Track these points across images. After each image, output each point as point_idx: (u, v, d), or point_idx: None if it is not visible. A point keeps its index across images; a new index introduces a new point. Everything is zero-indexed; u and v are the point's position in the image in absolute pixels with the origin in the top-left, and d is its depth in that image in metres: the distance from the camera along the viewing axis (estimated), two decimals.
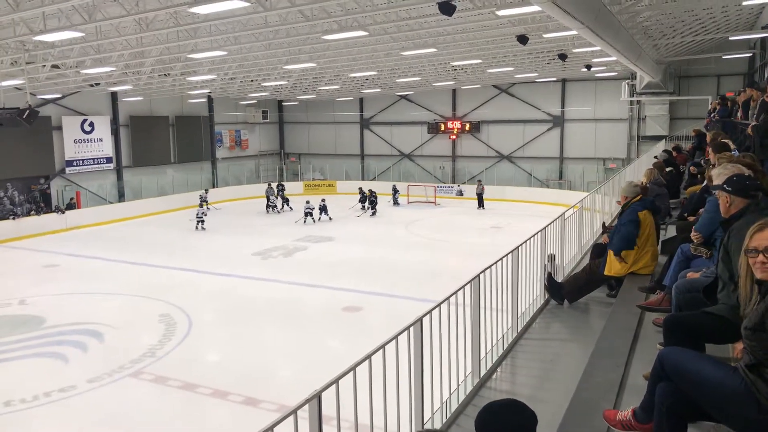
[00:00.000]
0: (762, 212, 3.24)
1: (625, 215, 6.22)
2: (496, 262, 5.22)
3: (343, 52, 18.99)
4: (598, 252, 6.95)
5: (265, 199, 31.50)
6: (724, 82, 28.80)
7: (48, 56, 17.37)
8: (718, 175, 4.02)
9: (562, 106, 33.89)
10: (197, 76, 22.92)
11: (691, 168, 9.98)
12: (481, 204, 31.46)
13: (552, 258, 6.76)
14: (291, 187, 35.69)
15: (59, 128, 28.38)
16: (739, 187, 3.48)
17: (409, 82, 30.11)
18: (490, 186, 33.18)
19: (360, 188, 31.61)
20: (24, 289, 17.05)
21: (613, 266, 6.23)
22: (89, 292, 16.80)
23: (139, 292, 16.44)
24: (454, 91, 36.45)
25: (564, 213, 7.62)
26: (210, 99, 35.77)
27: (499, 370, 5.15)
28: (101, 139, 30.21)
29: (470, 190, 33.44)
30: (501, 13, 12.75)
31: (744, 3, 14.67)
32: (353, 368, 3.21)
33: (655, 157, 13.49)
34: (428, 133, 37.75)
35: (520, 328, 5.83)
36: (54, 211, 26.67)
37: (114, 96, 30.26)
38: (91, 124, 29.72)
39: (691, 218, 6.71)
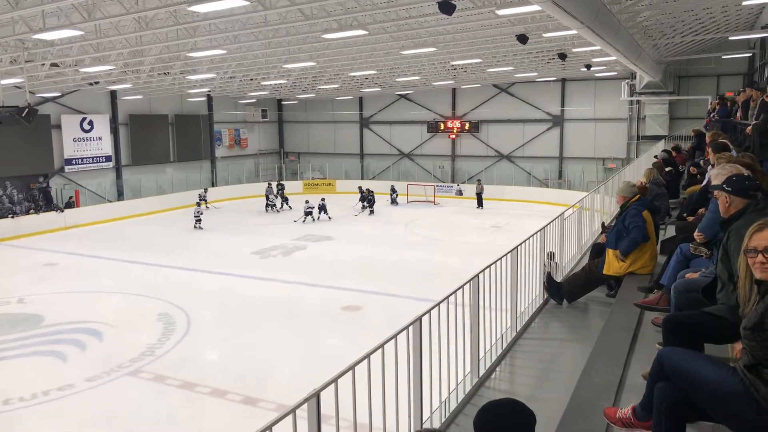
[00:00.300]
0: (761, 212, 3.24)
1: (629, 217, 6.16)
2: (495, 262, 5.22)
3: (342, 51, 18.99)
4: (597, 252, 6.95)
5: (264, 199, 31.52)
6: (723, 82, 28.80)
7: (47, 54, 17.37)
8: (717, 175, 4.01)
9: (562, 105, 33.89)
10: (197, 74, 22.91)
11: (691, 168, 9.99)
12: (480, 203, 31.46)
13: (551, 255, 6.75)
14: (290, 186, 35.69)
15: (58, 127, 28.36)
16: (739, 187, 3.48)
17: (409, 82, 30.11)
18: (490, 185, 33.19)
19: (360, 187, 31.62)
20: (23, 288, 17.04)
21: (612, 266, 6.24)
22: (88, 291, 16.80)
23: (138, 291, 16.43)
24: (453, 90, 36.45)
25: (563, 213, 7.63)
26: (209, 98, 35.75)
27: (498, 369, 5.15)
28: (100, 138, 30.19)
29: (470, 189, 33.45)
30: (501, 12, 12.76)
31: (744, 3, 14.68)
32: (352, 367, 3.20)
33: (655, 156, 13.49)
34: (428, 132, 37.75)
35: (519, 328, 5.83)
36: (53, 210, 26.66)
37: (113, 94, 30.24)
38: (91, 123, 29.69)
39: (690, 218, 6.71)
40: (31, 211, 26.15)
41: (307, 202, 27.82)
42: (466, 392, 4.65)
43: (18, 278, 18.34)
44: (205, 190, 32.44)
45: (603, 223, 8.34)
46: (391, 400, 3.68)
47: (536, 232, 6.36)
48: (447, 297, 4.36)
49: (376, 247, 22.12)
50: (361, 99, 39.46)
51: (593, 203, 9.85)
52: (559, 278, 6.96)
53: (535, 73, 28.41)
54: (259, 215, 30.09)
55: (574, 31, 12.39)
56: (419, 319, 3.93)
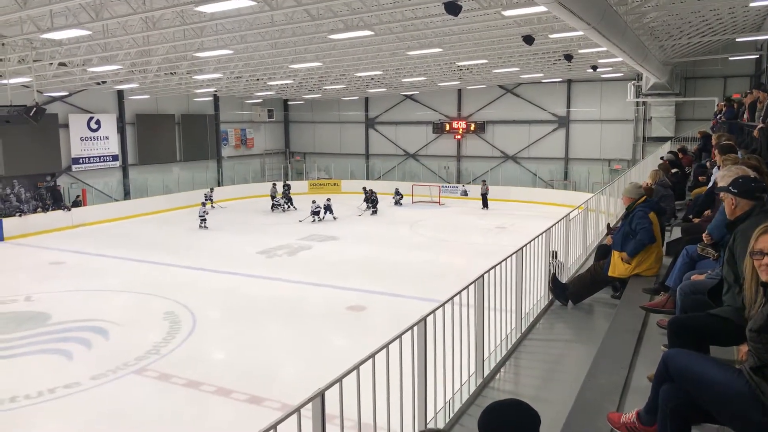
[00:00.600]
0: (767, 214, 3.23)
1: (636, 219, 6.12)
2: (500, 263, 5.21)
3: (348, 51, 19.01)
4: (602, 253, 6.93)
5: (269, 199, 31.57)
6: (730, 83, 28.65)
7: (55, 54, 17.46)
8: (724, 176, 4.00)
9: (568, 106, 33.81)
10: (203, 74, 22.98)
11: (700, 177, 9.91)
12: (485, 204, 31.43)
13: (554, 255, 6.73)
14: (296, 187, 35.71)
15: (66, 126, 28.50)
16: (745, 189, 3.47)
17: (415, 82, 30.11)
18: (495, 186, 33.15)
19: (364, 188, 31.65)
20: (30, 286, 17.13)
21: (617, 267, 6.22)
22: (94, 289, 16.87)
23: (144, 290, 16.50)
24: (459, 91, 36.42)
25: (569, 214, 7.61)
26: (216, 98, 35.85)
27: (502, 370, 5.15)
28: (107, 137, 30.32)
29: (475, 190, 33.42)
30: (507, 13, 12.74)
31: (751, 4, 14.60)
32: (357, 367, 3.21)
33: (661, 158, 13.45)
34: (433, 133, 37.72)
35: (524, 329, 5.82)
36: (60, 209, 26.79)
37: (120, 94, 30.36)
38: (98, 122, 29.82)
39: (697, 220, 6.69)
40: (39, 209, 26.29)
41: (313, 202, 27.86)
42: (471, 393, 4.64)
43: (25, 276, 18.44)
44: (211, 190, 32.55)
45: (608, 225, 8.33)
46: (395, 400, 3.68)
47: (541, 233, 6.35)
48: (452, 297, 4.36)
49: (381, 247, 22.13)
50: (366, 99, 39.48)
51: (599, 204, 9.83)
52: (563, 278, 6.95)
53: (541, 74, 28.35)
54: (265, 215, 30.14)
55: (580, 33, 12.38)
56: (424, 319, 3.93)
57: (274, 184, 32.91)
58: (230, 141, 38.24)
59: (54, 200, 27.42)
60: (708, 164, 9.60)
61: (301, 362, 11.66)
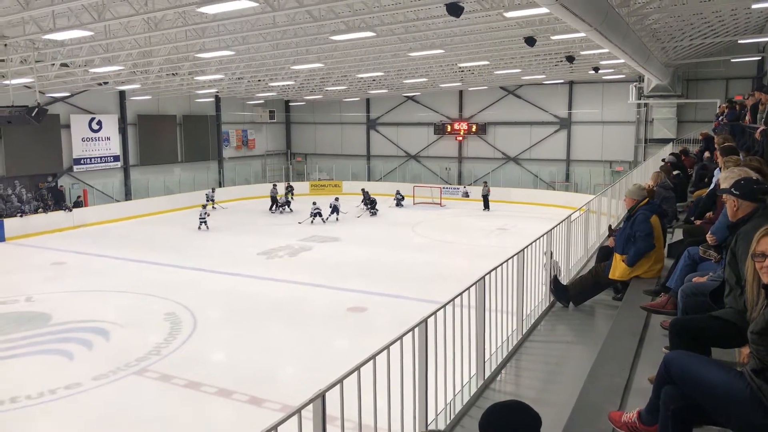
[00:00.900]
0: None
1: (637, 224, 6.09)
2: (501, 264, 5.21)
3: (350, 52, 19.02)
4: (603, 255, 6.92)
5: (270, 200, 31.59)
6: (732, 85, 28.64)
7: (57, 55, 17.49)
8: (726, 178, 3.99)
9: (569, 108, 33.80)
10: (205, 75, 23.01)
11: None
12: (486, 206, 31.42)
13: (550, 254, 6.68)
14: (297, 188, 35.74)
15: (67, 126, 28.55)
16: (747, 191, 3.46)
17: (416, 83, 30.12)
18: (496, 188, 33.15)
19: (362, 189, 31.64)
20: (31, 286, 17.14)
21: (618, 269, 6.20)
22: (95, 290, 16.88)
23: (145, 291, 16.50)
24: (460, 92, 36.42)
25: (570, 215, 7.60)
26: (217, 98, 35.90)
27: (503, 371, 5.14)
28: (109, 138, 30.37)
29: (476, 191, 33.41)
30: (509, 14, 12.74)
31: (753, 6, 14.58)
32: (357, 368, 3.20)
33: (663, 160, 13.44)
34: (435, 134, 37.74)
35: (525, 330, 5.81)
36: (62, 209, 26.82)
37: (122, 95, 30.41)
38: (99, 123, 29.87)
39: (698, 222, 6.68)
40: (40, 210, 26.32)
41: (314, 203, 27.86)
42: (472, 394, 4.64)
43: (26, 277, 18.45)
44: (213, 190, 32.59)
45: (610, 226, 8.32)
46: (396, 402, 3.68)
47: (543, 235, 6.34)
48: (453, 299, 4.35)
49: (382, 248, 22.13)
50: (368, 100, 39.51)
51: (600, 206, 9.82)
52: (565, 281, 6.94)
53: (543, 76, 28.35)
54: (266, 216, 30.16)
55: (582, 34, 12.38)
56: (425, 320, 3.92)
57: (275, 185, 32.91)
58: (231, 142, 38.27)
59: (55, 201, 27.46)
60: (707, 162, 9.58)
61: (302, 363, 11.65)
